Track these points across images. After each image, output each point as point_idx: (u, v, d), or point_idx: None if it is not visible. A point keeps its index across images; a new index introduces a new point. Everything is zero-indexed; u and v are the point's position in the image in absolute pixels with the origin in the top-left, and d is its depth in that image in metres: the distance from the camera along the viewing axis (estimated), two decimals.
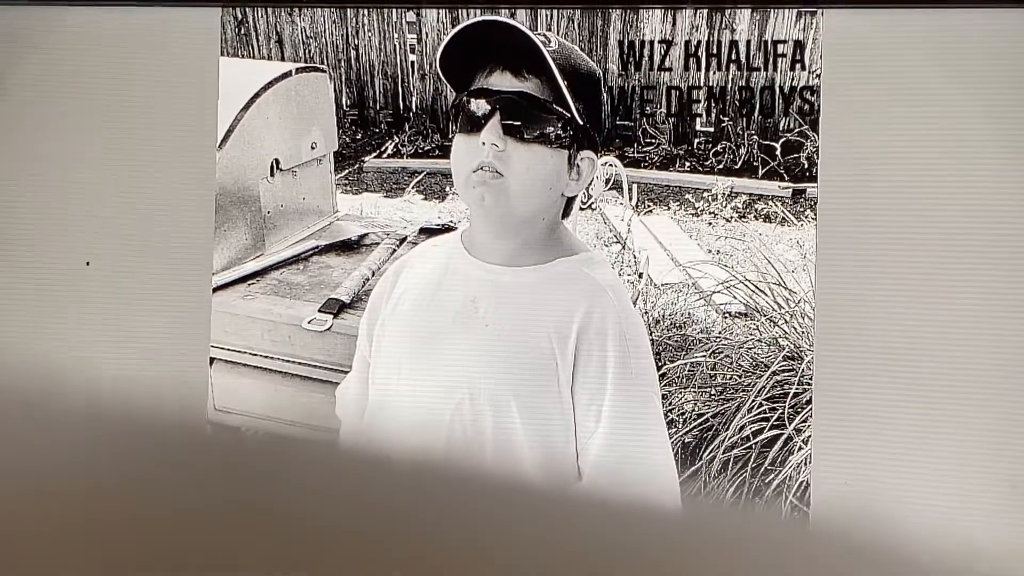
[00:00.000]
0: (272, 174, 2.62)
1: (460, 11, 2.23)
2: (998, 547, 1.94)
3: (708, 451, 3.16)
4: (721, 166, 5.74)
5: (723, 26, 4.31)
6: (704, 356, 3.48)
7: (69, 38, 2.19)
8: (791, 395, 3.07)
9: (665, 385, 3.40)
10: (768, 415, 3.10)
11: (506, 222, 1.71)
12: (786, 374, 3.17)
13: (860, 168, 2.03)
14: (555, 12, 2.03)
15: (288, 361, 2.33)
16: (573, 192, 1.77)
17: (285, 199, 2.70)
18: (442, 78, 1.80)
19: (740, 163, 5.66)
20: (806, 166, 5.54)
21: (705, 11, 3.19)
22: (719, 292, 3.86)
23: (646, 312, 3.98)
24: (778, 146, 5.57)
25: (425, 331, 1.78)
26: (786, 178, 5.61)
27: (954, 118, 1.98)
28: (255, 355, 2.35)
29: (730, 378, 3.41)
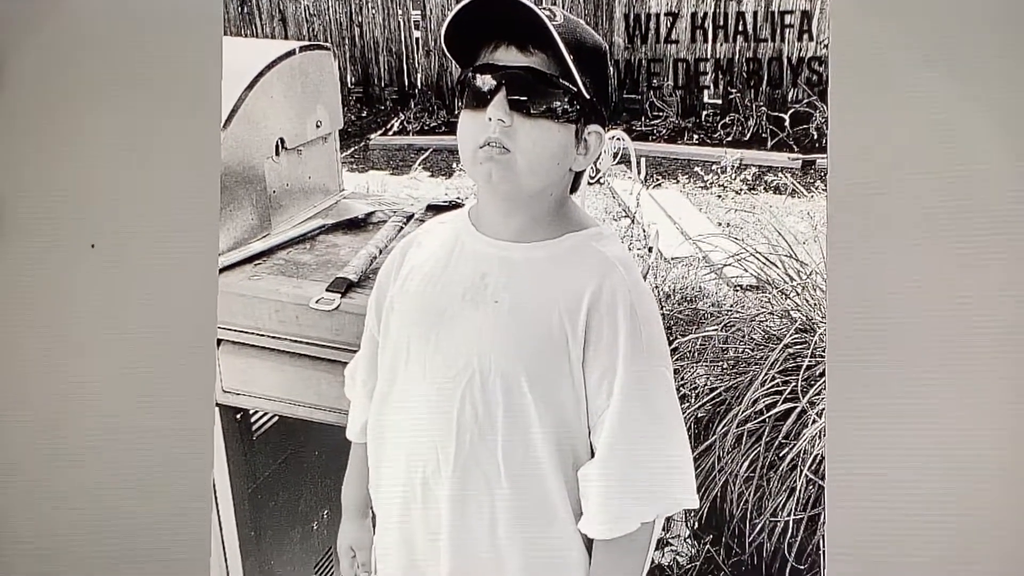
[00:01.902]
0: (277, 153, 2.62)
1: None
2: (1012, 514, 1.94)
3: (722, 425, 3.16)
4: (730, 138, 5.75)
5: None
6: (716, 330, 3.48)
7: (72, 20, 2.19)
8: (804, 368, 3.06)
9: (677, 360, 3.40)
10: (781, 388, 3.09)
11: (514, 198, 1.70)
12: (799, 346, 3.16)
13: (870, 138, 2.02)
14: None
15: (296, 341, 2.33)
16: (581, 167, 1.75)
17: (291, 178, 2.70)
18: (447, 54, 1.78)
19: (749, 135, 5.66)
20: (815, 137, 5.54)
21: None
22: (730, 265, 3.86)
23: (656, 286, 3.99)
24: (787, 117, 5.58)
25: (434, 308, 1.77)
26: (795, 149, 5.62)
27: (965, 86, 1.97)
28: (263, 335, 2.35)
29: (742, 351, 3.40)
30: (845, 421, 2.02)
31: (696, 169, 5.48)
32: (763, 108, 5.37)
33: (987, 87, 1.98)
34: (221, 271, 2.35)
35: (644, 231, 4.35)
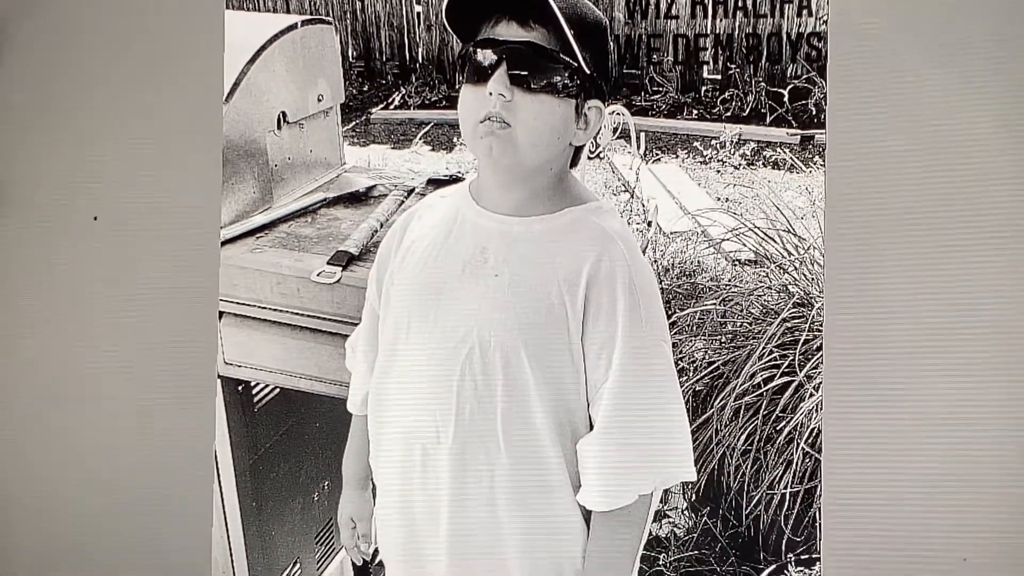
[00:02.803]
0: (279, 127, 2.62)
1: None
2: (1011, 485, 1.95)
3: (719, 399, 3.17)
4: (729, 113, 5.75)
5: None
6: (714, 304, 3.49)
7: None
8: (801, 342, 3.07)
9: (675, 333, 3.41)
10: (779, 362, 3.10)
11: (514, 172, 1.70)
12: (796, 321, 3.17)
13: (868, 113, 2.02)
14: None
15: (297, 314, 2.34)
16: (581, 141, 1.76)
17: (292, 152, 2.70)
18: (448, 29, 1.78)
19: (748, 110, 5.66)
20: (814, 112, 5.55)
21: None
22: (728, 240, 3.86)
23: (655, 260, 3.99)
24: (786, 93, 5.58)
25: (434, 282, 1.77)
26: (794, 125, 5.62)
27: (964, 61, 1.98)
28: (264, 308, 2.36)
29: (740, 326, 3.41)
30: (841, 394, 2.03)
31: (695, 144, 5.48)
32: (762, 84, 5.37)
33: (984, 64, 1.98)
34: (223, 244, 2.36)
35: (643, 205, 4.35)
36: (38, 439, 2.19)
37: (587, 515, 1.79)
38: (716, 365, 3.29)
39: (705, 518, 3.24)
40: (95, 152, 2.18)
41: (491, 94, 1.63)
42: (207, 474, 2.28)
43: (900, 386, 2.00)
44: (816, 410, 2.92)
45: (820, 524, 2.07)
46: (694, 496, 3.30)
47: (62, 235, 2.19)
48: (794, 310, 3.20)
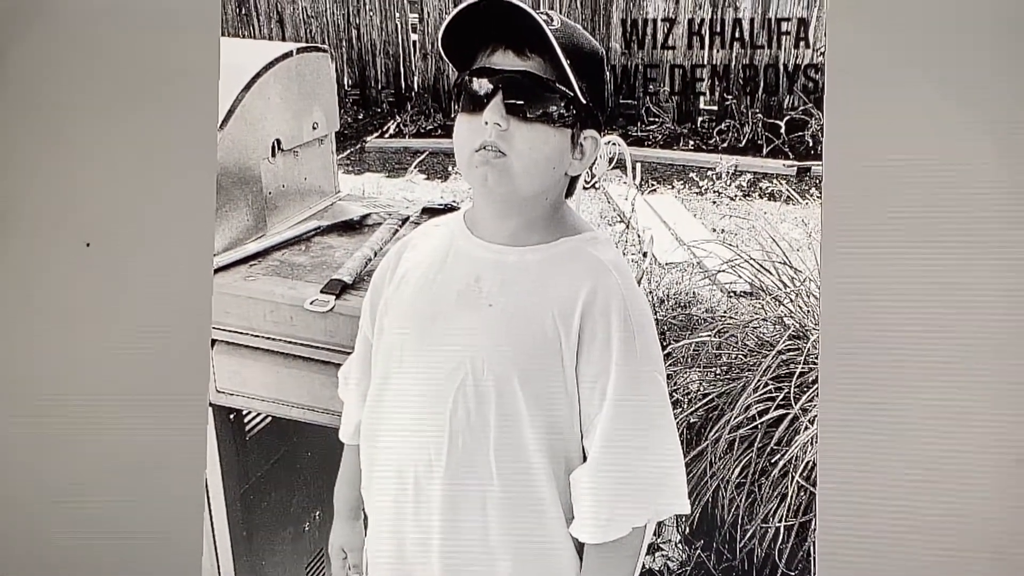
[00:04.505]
0: (273, 154, 2.62)
1: None
2: (1004, 523, 1.94)
3: (714, 431, 3.16)
4: (725, 144, 5.74)
5: (726, 4, 4.31)
6: (709, 335, 3.48)
7: (69, 18, 2.19)
8: (797, 374, 3.06)
9: (670, 365, 3.40)
10: (774, 395, 3.09)
11: (509, 201, 1.70)
12: (791, 353, 3.16)
13: (865, 145, 2.02)
14: None
15: (290, 342, 2.33)
16: (576, 171, 1.76)
17: (287, 179, 2.69)
18: (444, 58, 1.78)
19: (744, 141, 5.66)
20: (811, 144, 5.54)
21: None
22: (724, 271, 3.86)
23: (650, 291, 3.99)
24: (782, 124, 5.57)
25: (428, 311, 1.77)
26: (791, 156, 5.61)
27: (962, 94, 1.98)
28: (257, 336, 2.35)
29: (735, 358, 3.40)
30: (837, 428, 2.02)
31: (691, 175, 5.48)
32: (759, 115, 5.37)
33: (982, 95, 1.98)
34: (216, 271, 2.35)
35: (639, 236, 4.35)
36: (24, 467, 2.17)
37: (580, 547, 1.78)
38: (711, 397, 3.28)
39: (699, 551, 3.23)
40: (87, 178, 2.17)
41: (487, 123, 1.62)
42: (197, 503, 2.26)
43: (896, 420, 1.99)
44: (811, 443, 2.91)
45: (815, 559, 2.06)
46: (688, 529, 3.28)
47: (54, 261, 2.18)
48: (789, 342, 3.20)
